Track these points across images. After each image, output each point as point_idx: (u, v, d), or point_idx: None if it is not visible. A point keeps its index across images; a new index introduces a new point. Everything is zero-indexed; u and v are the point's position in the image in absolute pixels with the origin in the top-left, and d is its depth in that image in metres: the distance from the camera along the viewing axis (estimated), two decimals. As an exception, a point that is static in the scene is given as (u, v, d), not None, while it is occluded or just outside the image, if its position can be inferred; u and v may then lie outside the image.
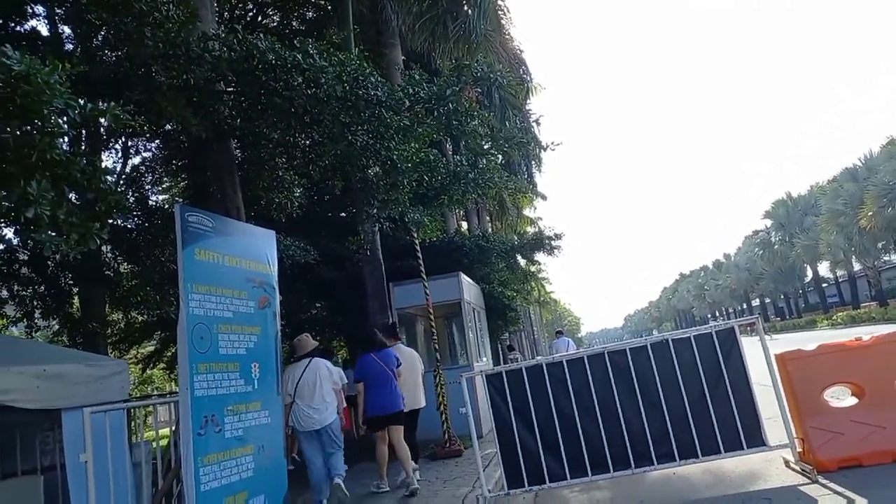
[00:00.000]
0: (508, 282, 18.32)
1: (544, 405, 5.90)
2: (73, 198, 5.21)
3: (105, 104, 4.38)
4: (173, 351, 14.08)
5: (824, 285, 57.42)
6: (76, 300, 11.60)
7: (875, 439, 5.51)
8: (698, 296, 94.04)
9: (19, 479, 6.22)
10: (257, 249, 5.75)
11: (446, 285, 11.77)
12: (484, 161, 11.51)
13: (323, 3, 13.65)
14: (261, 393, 5.28)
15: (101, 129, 9.24)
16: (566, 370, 5.97)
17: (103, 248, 10.27)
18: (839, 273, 52.54)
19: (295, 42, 6.44)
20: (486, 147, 13.33)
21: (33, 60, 3.65)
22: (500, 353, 22.66)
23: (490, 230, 25.71)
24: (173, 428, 6.37)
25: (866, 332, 6.47)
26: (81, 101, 4.17)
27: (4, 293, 10.40)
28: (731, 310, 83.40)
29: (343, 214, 13.46)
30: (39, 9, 9.16)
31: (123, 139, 10.54)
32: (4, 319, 11.26)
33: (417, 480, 7.29)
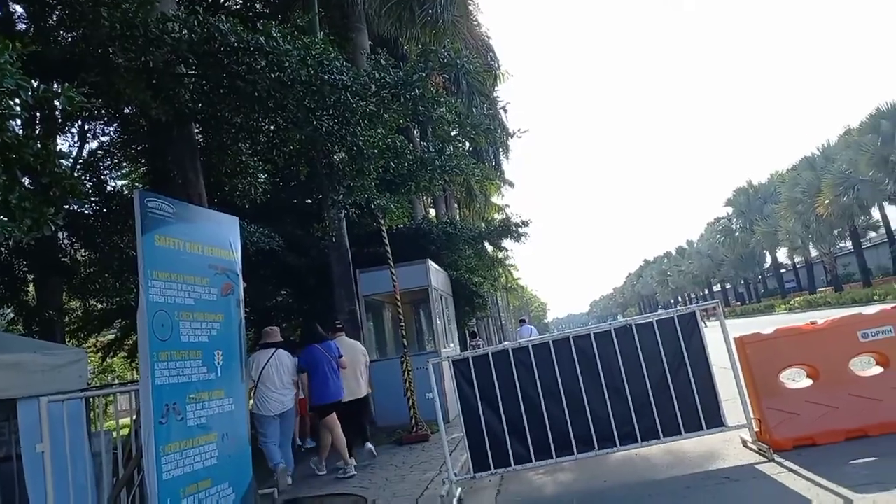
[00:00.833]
0: (476, 268, 18.40)
1: (510, 390, 5.96)
2: (27, 182, 5.05)
3: (59, 86, 4.25)
4: (134, 339, 13.81)
5: (783, 271, 58.93)
6: (31, 288, 11.29)
7: (828, 419, 5.69)
8: (661, 282, 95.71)
9: (-28, 470, 6.05)
10: (220, 236, 5.66)
11: (414, 272, 11.78)
12: (451, 148, 11.51)
13: (287, -16, 13.40)
14: (224, 380, 5.21)
15: (56, 112, 8.95)
16: (532, 355, 6.03)
17: (60, 234, 10.00)
18: (797, 259, 53.97)
19: (258, 25, 6.31)
20: (453, 134, 13.31)
21: (-19, 39, 3.52)
22: (468, 339, 22.78)
23: (458, 217, 25.76)
24: (134, 417, 6.27)
25: (822, 317, 6.67)
26: (34, 83, 4.04)
27: (-44, 281, 10.07)
28: (693, 295, 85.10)
29: (308, 201, 13.32)
30: (-11, -13, 8.83)
31: (80, 123, 10.22)
32: (-44, 308, 10.92)
33: (355, 466, 7.75)
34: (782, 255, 56.08)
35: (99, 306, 13.22)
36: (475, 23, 20.01)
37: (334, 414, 7.86)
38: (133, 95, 6.08)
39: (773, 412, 5.82)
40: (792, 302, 43.85)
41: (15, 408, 4.87)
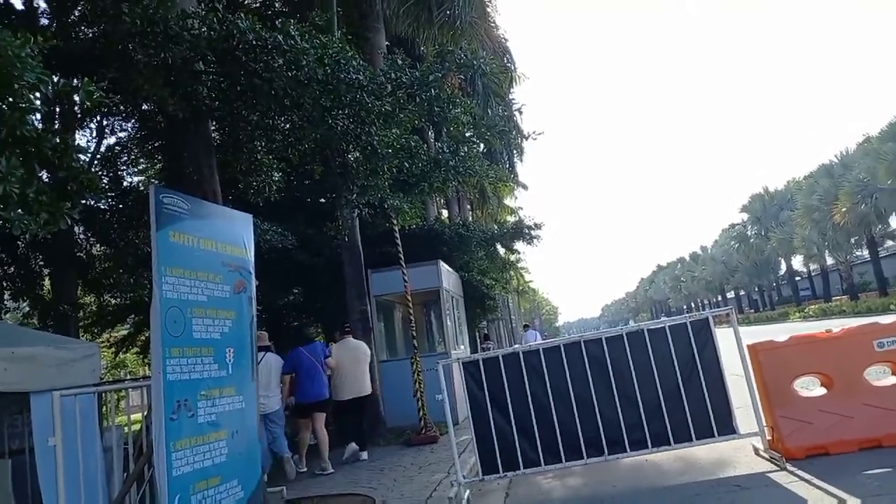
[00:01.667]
0: (487, 270, 18.36)
1: (520, 393, 5.93)
2: (45, 176, 5.10)
3: (79, 81, 4.29)
4: (147, 335, 13.92)
5: (797, 279, 58.40)
6: (47, 282, 11.39)
7: (842, 428, 5.62)
8: (675, 287, 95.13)
9: (-15, 462, 6.11)
10: (234, 233, 5.67)
11: (425, 273, 11.78)
12: (465, 149, 11.49)
13: (306, -17, 13.45)
14: (235, 378, 5.22)
15: (76, 107, 9.03)
16: (542, 359, 6.00)
17: (76, 228, 10.08)
18: (812, 267, 53.45)
19: (276, 23, 6.34)
20: (468, 135, 13.30)
21: (3, 33, 3.55)
22: (479, 341, 22.75)
23: (470, 218, 25.73)
24: (146, 413, 6.32)
25: (837, 325, 6.59)
26: (55, 78, 4.08)
27: (-27, 274, 10.19)
28: (706, 301, 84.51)
29: (322, 200, 13.36)
30: (12, -19, 8.92)
31: (99, 118, 10.31)
32: (-27, 301, 11.03)
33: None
34: (797, 262, 55.59)
35: (113, 301, 13.31)
36: (492, 24, 19.98)
37: (317, 414, 8.39)
38: (151, 91, 6.12)
39: (785, 420, 5.76)
40: (807, 310, 43.42)
41: (28, 401, 4.91)
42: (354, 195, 9.05)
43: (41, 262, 10.45)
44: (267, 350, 8.00)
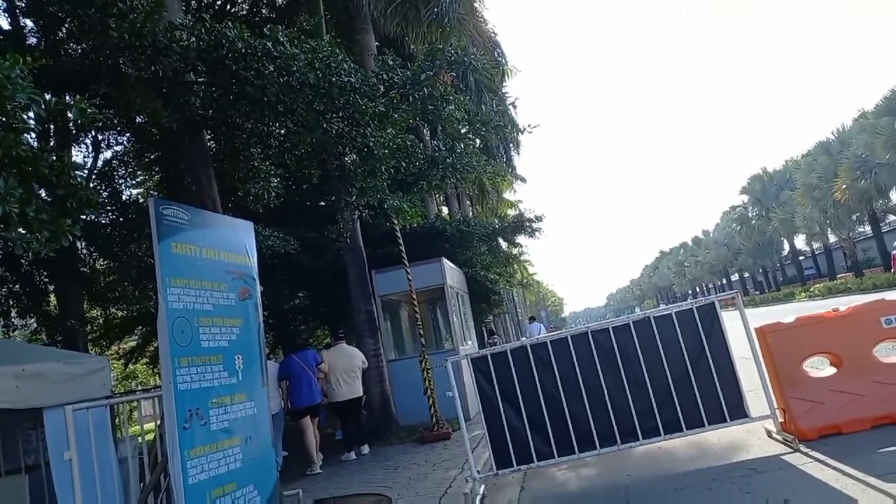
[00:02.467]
0: (491, 265, 18.37)
1: (530, 386, 5.94)
2: (43, 195, 5.11)
3: (71, 98, 4.29)
4: (155, 345, 13.95)
5: (801, 258, 58.28)
6: (53, 298, 11.43)
7: (854, 407, 5.61)
8: (679, 272, 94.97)
9: (3, 479, 6.15)
10: (235, 241, 5.69)
11: (429, 271, 11.78)
12: (461, 145, 11.48)
13: (293, -12, 13.43)
14: (245, 384, 5.24)
15: (70, 124, 9.05)
16: (550, 351, 6.00)
17: (78, 244, 10.10)
18: (815, 245, 53.35)
19: (265, 30, 6.32)
20: (463, 131, 13.28)
21: (-6, 54, 3.56)
22: (485, 336, 22.77)
23: (471, 214, 25.74)
24: (158, 422, 6.33)
25: (843, 303, 6.58)
26: (47, 96, 4.08)
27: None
28: (710, 285, 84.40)
29: (322, 203, 13.37)
30: (-1, 2, 8.92)
31: (93, 133, 10.32)
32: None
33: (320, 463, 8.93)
34: (800, 241, 55.45)
35: (119, 314, 13.37)
36: (481, 19, 19.94)
37: (307, 417, 8.96)
38: (144, 105, 6.12)
39: (796, 402, 5.75)
40: (812, 289, 43.31)
41: (41, 417, 4.93)
42: (354, 197, 9.05)
43: (46, 279, 10.49)
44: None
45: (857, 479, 4.41)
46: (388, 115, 7.56)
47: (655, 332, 5.94)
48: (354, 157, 8.18)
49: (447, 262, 12.52)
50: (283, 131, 7.76)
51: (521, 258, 40.48)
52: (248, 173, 8.06)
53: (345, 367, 9.57)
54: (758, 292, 65.12)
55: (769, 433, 5.98)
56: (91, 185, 9.78)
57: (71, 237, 4.34)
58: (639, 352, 5.89)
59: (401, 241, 10.77)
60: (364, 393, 10.62)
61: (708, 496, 4.77)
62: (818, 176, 41.24)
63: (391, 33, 13.93)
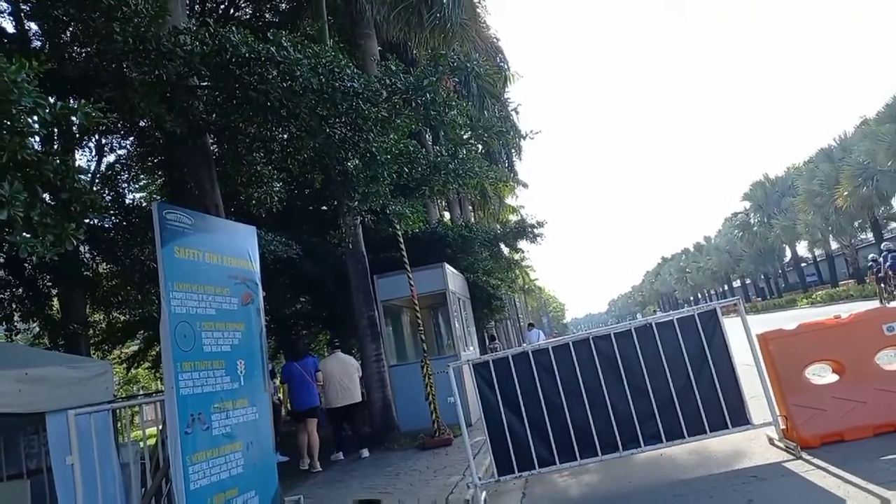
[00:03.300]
0: (492, 271, 18.38)
1: (531, 392, 5.93)
2: (47, 198, 5.12)
3: (76, 102, 4.31)
4: (157, 350, 13.97)
5: (803, 265, 58.20)
6: (56, 302, 11.44)
7: (856, 414, 5.60)
8: (680, 279, 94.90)
9: (5, 484, 6.17)
10: (238, 245, 5.70)
11: (431, 276, 11.78)
12: (464, 151, 11.49)
13: (296, -7, 13.49)
14: (248, 389, 5.25)
15: (74, 128, 9.09)
16: (552, 357, 5.99)
17: (81, 248, 10.12)
18: (817, 252, 53.28)
19: (268, 34, 6.35)
20: (465, 137, 13.31)
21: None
22: (487, 341, 22.75)
23: (473, 220, 25.77)
24: (160, 427, 6.33)
25: (845, 310, 6.57)
26: (51, 100, 4.10)
27: (-19, 297, 10.23)
28: (712, 291, 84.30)
29: (324, 208, 13.39)
30: (4, 5, 8.96)
31: (97, 137, 10.35)
32: (-17, 324, 11.09)
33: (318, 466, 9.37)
34: (802, 248, 55.40)
35: (122, 318, 13.37)
36: (483, 25, 19.99)
37: (307, 420, 9.54)
38: (147, 109, 6.14)
39: (799, 409, 5.74)
40: (814, 296, 43.24)
41: (44, 421, 4.94)
42: (356, 202, 9.06)
43: (49, 283, 10.50)
44: None
45: (860, 486, 4.40)
46: (391, 121, 7.58)
47: (657, 338, 5.94)
48: (357, 162, 8.19)
49: (449, 268, 12.52)
50: (285, 136, 7.79)
51: (523, 263, 40.49)
52: (250, 178, 8.07)
53: (341, 375, 10.09)
54: (759, 299, 65.00)
55: (771, 440, 5.97)
56: (94, 188, 9.81)
57: (75, 241, 4.35)
58: (640, 358, 5.89)
59: (403, 247, 10.78)
60: (365, 398, 11.20)
61: (709, 503, 4.76)
62: (820, 183, 41.24)
63: (394, 38, 13.97)
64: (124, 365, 17.76)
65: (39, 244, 4.07)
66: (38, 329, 12.02)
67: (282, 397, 12.23)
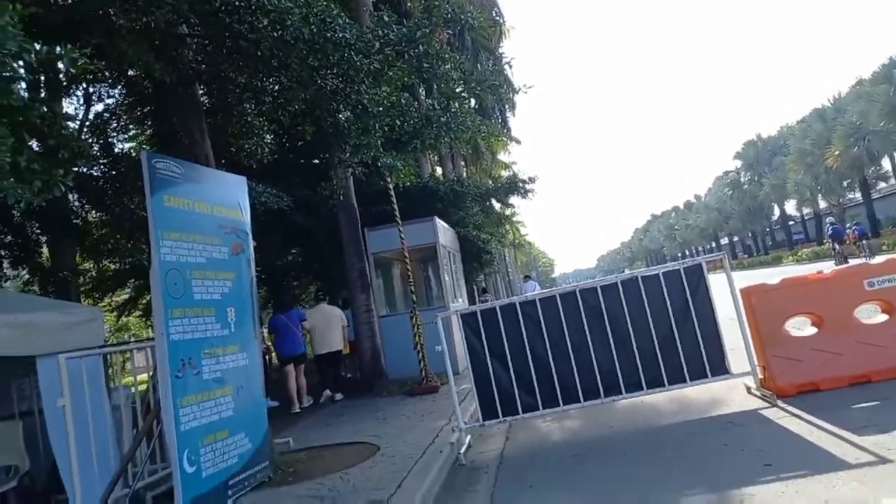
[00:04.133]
0: (483, 225, 18.42)
1: (518, 342, 6.06)
2: (35, 145, 5.10)
3: (62, 48, 4.24)
4: (148, 299, 14.00)
5: (791, 223, 58.64)
6: (45, 249, 11.43)
7: (832, 365, 5.78)
8: (669, 236, 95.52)
9: (-3, 424, 6.24)
10: (228, 196, 5.72)
11: (421, 229, 11.85)
12: (456, 105, 11.38)
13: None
14: (238, 336, 5.35)
15: (61, 75, 8.93)
16: (539, 308, 6.11)
17: (70, 196, 10.07)
18: (805, 211, 53.64)
19: (258, -18, 6.21)
20: (458, 91, 13.16)
21: (-19, 1, 3.51)
22: (476, 294, 22.96)
23: (464, 175, 25.68)
24: (151, 373, 6.45)
25: (829, 267, 6.70)
26: (37, 45, 4.04)
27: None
28: (700, 249, 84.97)
29: (315, 161, 13.29)
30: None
31: (85, 86, 10.19)
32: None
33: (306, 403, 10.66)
34: (791, 207, 55.74)
35: (112, 267, 13.38)
36: (479, -24, 19.59)
37: (291, 365, 10.59)
38: (136, 57, 6.03)
39: (777, 360, 5.91)
40: (800, 253, 43.68)
41: (35, 365, 5.02)
42: (347, 154, 9.01)
43: (38, 231, 10.48)
44: None
45: (832, 432, 4.58)
46: (383, 73, 7.49)
47: (643, 291, 6.04)
48: (348, 114, 8.11)
49: (440, 222, 12.57)
50: (276, 87, 7.70)
51: (514, 219, 40.55)
52: (241, 129, 8.01)
53: (323, 325, 10.92)
54: (747, 256, 65.66)
55: (749, 389, 6.17)
56: (83, 137, 9.70)
57: (63, 188, 4.35)
58: (625, 310, 6.00)
59: (394, 200, 10.79)
60: (355, 347, 11.74)
61: (686, 448, 4.95)
62: (812, 142, 41.29)
63: (388, -12, 13.66)
64: (115, 313, 17.85)
65: (27, 190, 4.07)
66: (27, 276, 12.03)
67: (270, 345, 12.74)
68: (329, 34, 6.42)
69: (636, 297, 6.04)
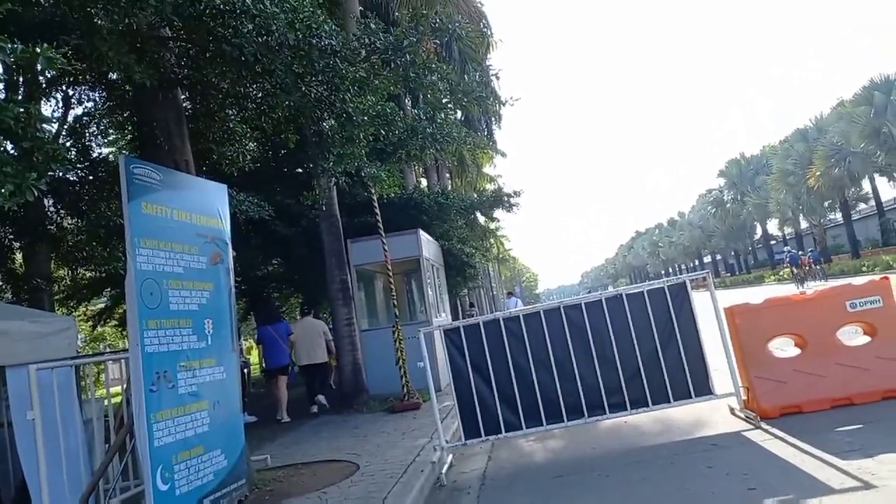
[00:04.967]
0: (467, 239, 18.37)
1: (501, 359, 5.97)
2: (9, 147, 4.95)
3: (39, 47, 4.12)
4: (124, 308, 13.70)
5: (773, 242, 59.26)
6: (19, 255, 11.16)
7: (815, 387, 5.76)
8: (653, 253, 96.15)
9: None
10: (208, 204, 5.60)
11: (405, 242, 11.75)
12: (442, 115, 11.33)
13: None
14: (215, 349, 5.20)
15: (40, 77, 8.75)
16: (523, 325, 6.03)
17: (45, 201, 9.83)
18: (787, 231, 54.26)
19: (244, -14, 6.11)
20: (444, 101, 13.13)
21: (-44, -3, 3.39)
22: (460, 309, 22.86)
23: (449, 187, 25.64)
24: (125, 385, 6.26)
25: (811, 287, 6.70)
26: (13, 45, 3.92)
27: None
28: (683, 266, 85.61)
29: (299, 169, 13.16)
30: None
31: (64, 88, 9.99)
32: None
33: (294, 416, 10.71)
34: (773, 226, 56.42)
35: (88, 275, 13.10)
36: (468, -12, 19.64)
37: (279, 377, 10.95)
38: (116, 59, 5.90)
39: (760, 381, 5.88)
40: (781, 273, 44.13)
41: (3, 375, 4.84)
42: (331, 164, 8.89)
43: (11, 236, 10.22)
44: None
45: (816, 456, 4.54)
46: (369, 81, 7.42)
47: (627, 309, 6.00)
48: (333, 122, 8.01)
49: (424, 234, 12.48)
50: (260, 93, 7.58)
51: (498, 233, 40.59)
52: (223, 135, 7.88)
53: (308, 338, 11.13)
54: (729, 274, 66.26)
55: (732, 410, 6.13)
56: (60, 140, 9.50)
57: (36, 192, 4.20)
58: (609, 328, 5.95)
59: (378, 211, 10.70)
60: (336, 361, 11.74)
61: (670, 469, 4.88)
62: (794, 162, 41.83)
63: (375, -3, 13.66)
64: (90, 322, 17.50)
65: (-2, 193, 3.93)
66: (0, 283, 11.74)
67: (247, 359, 12.88)
68: (315, 40, 6.34)
69: (620, 315, 6.00)
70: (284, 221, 12.26)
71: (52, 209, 10.38)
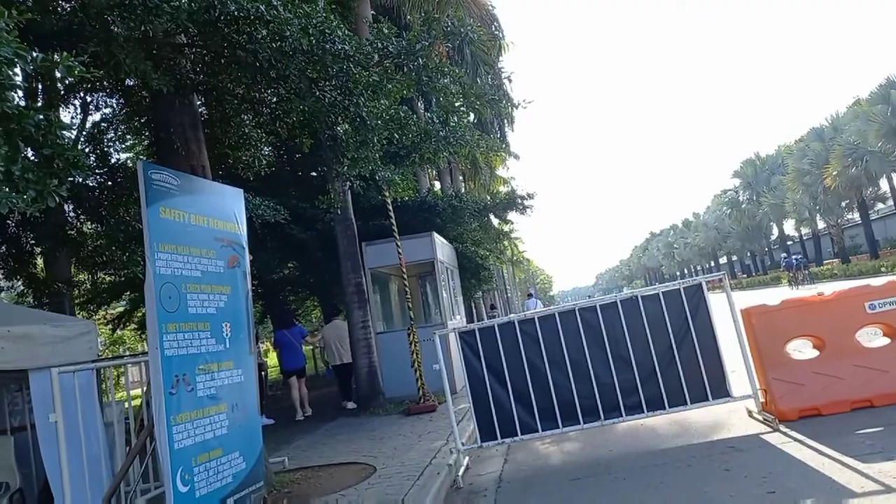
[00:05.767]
0: (481, 241, 18.36)
1: (516, 361, 5.97)
2: (30, 154, 5.02)
3: (58, 55, 4.18)
4: (143, 312, 13.87)
5: (789, 243, 58.66)
6: (40, 260, 11.32)
7: (834, 389, 5.70)
8: (668, 254, 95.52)
9: (-11, 439, 6.13)
10: (225, 208, 5.65)
11: (419, 245, 11.78)
12: (455, 119, 11.36)
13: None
14: (233, 352, 5.24)
15: (59, 84, 8.88)
16: (538, 327, 6.03)
17: (65, 207, 9.98)
18: (804, 231, 53.70)
19: (258, -8, 6.17)
20: (457, 105, 13.14)
21: (-23, 7, 3.46)
22: (474, 311, 22.85)
23: (463, 190, 25.65)
24: (145, 388, 6.34)
25: (828, 289, 6.65)
26: (33, 53, 3.98)
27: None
28: (699, 267, 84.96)
29: (313, 173, 13.25)
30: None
31: (82, 95, 10.13)
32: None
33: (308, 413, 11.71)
34: (789, 227, 55.82)
35: (107, 279, 13.26)
36: (479, -9, 19.66)
37: (294, 377, 11.70)
38: (133, 65, 5.98)
39: (778, 383, 5.83)
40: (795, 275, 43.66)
41: (27, 378, 4.92)
42: (345, 168, 8.94)
43: (32, 241, 10.37)
44: None
45: (835, 458, 4.50)
46: (382, 85, 7.46)
47: (642, 310, 5.98)
48: (347, 126, 8.06)
49: (438, 237, 12.50)
50: (275, 98, 7.64)
51: (512, 235, 40.53)
52: (239, 140, 7.95)
53: (336, 339, 11.87)
54: (745, 275, 65.63)
55: (750, 413, 6.08)
56: (79, 146, 9.63)
57: (57, 198, 4.26)
58: (625, 330, 5.94)
59: (392, 214, 10.73)
60: (352, 363, 11.68)
61: (687, 472, 4.85)
62: (810, 162, 41.38)
63: (387, 2, 13.72)
64: (110, 326, 17.69)
65: (20, 200, 3.99)
66: (21, 287, 11.91)
67: (265, 361, 13.39)
68: (328, 46, 6.38)
69: (636, 317, 5.98)
70: (300, 225, 12.35)
71: (72, 214, 10.54)
